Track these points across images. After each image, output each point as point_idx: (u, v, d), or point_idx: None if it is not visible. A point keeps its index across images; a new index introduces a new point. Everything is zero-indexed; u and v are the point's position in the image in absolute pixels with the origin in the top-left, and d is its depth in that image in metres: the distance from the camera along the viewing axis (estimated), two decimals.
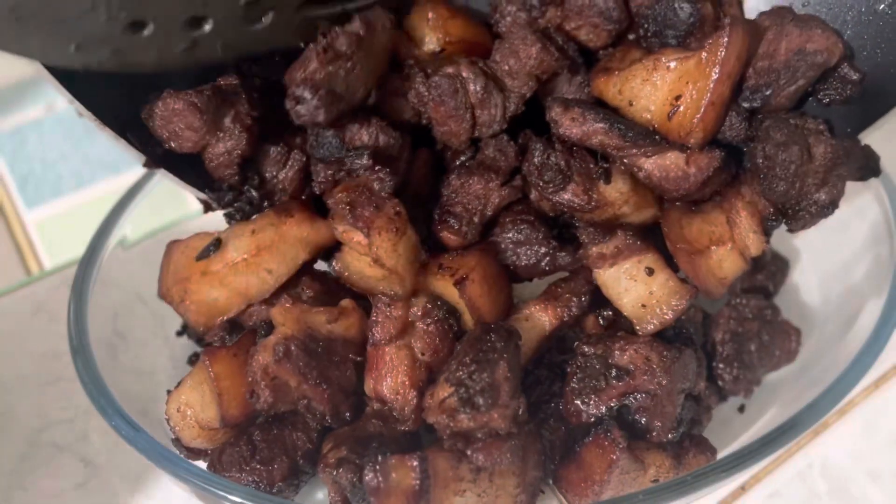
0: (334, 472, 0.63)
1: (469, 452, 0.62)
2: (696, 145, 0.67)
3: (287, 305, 0.66)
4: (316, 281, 0.75)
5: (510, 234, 0.74)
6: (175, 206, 0.96)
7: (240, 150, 0.72)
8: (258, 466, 0.68)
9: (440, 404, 0.64)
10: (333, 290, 0.74)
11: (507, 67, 0.74)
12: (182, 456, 0.70)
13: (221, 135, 0.71)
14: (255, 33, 0.71)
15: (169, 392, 0.72)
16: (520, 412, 0.64)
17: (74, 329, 0.74)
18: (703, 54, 0.65)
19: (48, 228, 1.14)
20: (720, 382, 0.77)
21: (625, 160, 0.70)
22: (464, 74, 0.72)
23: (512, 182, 0.75)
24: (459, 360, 0.64)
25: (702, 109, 0.66)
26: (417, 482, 0.60)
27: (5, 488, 0.79)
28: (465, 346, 0.66)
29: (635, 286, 0.70)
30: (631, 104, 0.70)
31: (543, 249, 0.74)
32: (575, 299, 0.73)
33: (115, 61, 0.65)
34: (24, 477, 0.80)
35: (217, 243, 0.72)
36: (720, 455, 0.69)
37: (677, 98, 0.67)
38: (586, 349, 0.68)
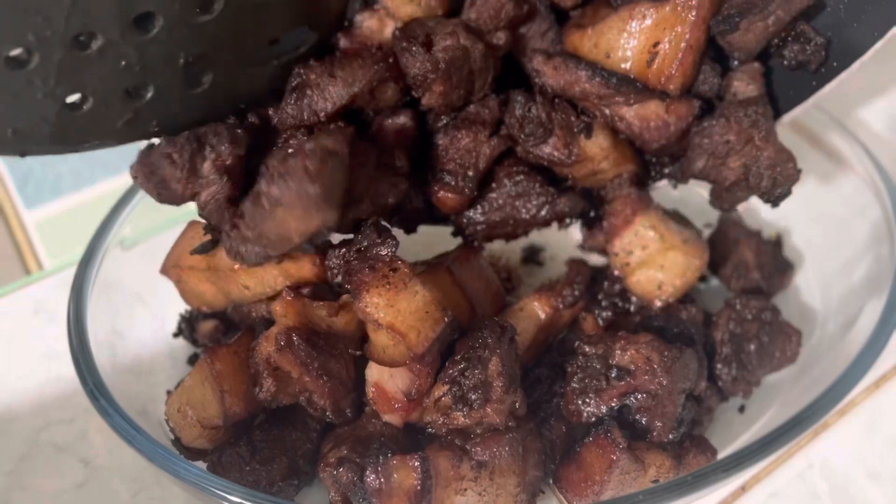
0: (335, 472, 0.63)
1: (468, 447, 0.62)
2: (675, 91, 0.69)
3: (288, 298, 0.66)
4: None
5: (507, 188, 0.75)
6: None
7: (223, 195, 0.66)
8: (258, 466, 0.68)
9: (435, 403, 0.64)
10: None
11: (482, 25, 0.72)
12: (182, 456, 0.70)
13: (203, 181, 0.66)
14: (196, 98, 0.66)
15: (169, 392, 0.72)
16: (517, 406, 0.64)
17: (74, 329, 0.74)
18: None
19: (48, 228, 1.13)
20: (719, 383, 0.77)
21: (605, 110, 0.71)
22: (462, 42, 0.69)
23: (499, 132, 0.74)
24: (453, 358, 0.65)
25: (680, 54, 0.68)
26: (419, 482, 0.60)
27: (5, 488, 0.79)
28: (459, 345, 0.66)
29: (648, 255, 0.74)
30: (608, 56, 0.71)
31: (542, 198, 0.74)
32: (568, 289, 0.75)
33: (54, 143, 0.61)
34: (24, 477, 0.80)
35: (215, 243, 0.72)
36: (720, 455, 0.69)
37: (655, 45, 0.68)
38: (587, 349, 0.68)
